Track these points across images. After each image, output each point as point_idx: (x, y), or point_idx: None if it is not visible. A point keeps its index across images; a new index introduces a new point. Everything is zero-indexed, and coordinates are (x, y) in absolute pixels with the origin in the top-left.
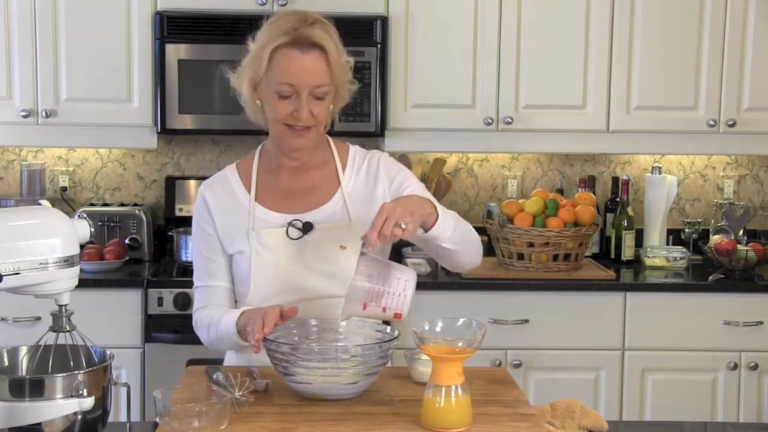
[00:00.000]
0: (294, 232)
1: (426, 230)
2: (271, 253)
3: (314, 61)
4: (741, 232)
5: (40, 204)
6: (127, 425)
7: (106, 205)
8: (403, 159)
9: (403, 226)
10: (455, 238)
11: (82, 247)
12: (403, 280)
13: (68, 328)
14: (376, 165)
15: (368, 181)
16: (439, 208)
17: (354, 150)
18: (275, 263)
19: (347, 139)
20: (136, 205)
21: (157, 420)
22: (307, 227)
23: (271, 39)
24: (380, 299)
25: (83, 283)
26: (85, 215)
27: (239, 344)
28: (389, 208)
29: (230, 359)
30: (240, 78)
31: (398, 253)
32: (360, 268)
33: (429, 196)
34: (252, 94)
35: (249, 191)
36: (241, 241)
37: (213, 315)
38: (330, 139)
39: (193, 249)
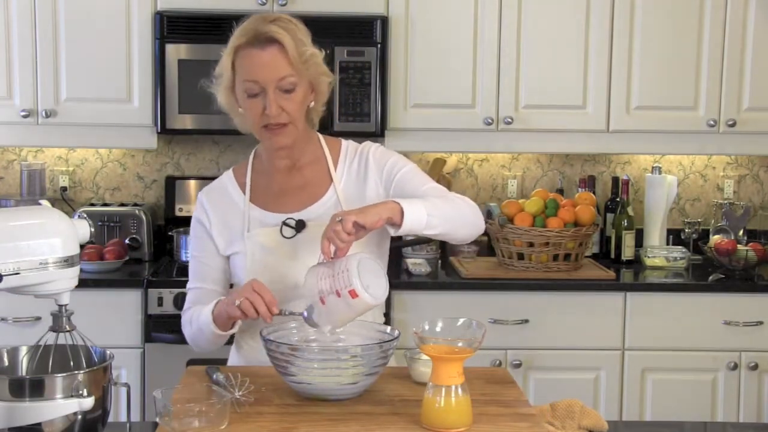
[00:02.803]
0: (288, 231)
1: (398, 227)
2: (266, 253)
3: (272, 55)
4: (741, 232)
5: (40, 204)
6: (127, 425)
7: (106, 205)
8: None
9: (338, 219)
10: (434, 223)
11: (82, 247)
12: (345, 259)
13: (68, 328)
14: (366, 157)
15: (359, 175)
16: (405, 202)
17: (346, 144)
18: (271, 262)
19: (346, 138)
20: (136, 205)
21: (157, 420)
22: (300, 225)
23: (232, 43)
24: (331, 286)
25: (83, 283)
26: (85, 215)
27: (215, 333)
28: (335, 213)
29: (233, 359)
30: (218, 89)
31: (398, 253)
32: (308, 275)
33: (423, 175)
34: (234, 103)
35: (244, 193)
36: (237, 242)
37: (196, 310)
38: (320, 136)
39: (189, 253)
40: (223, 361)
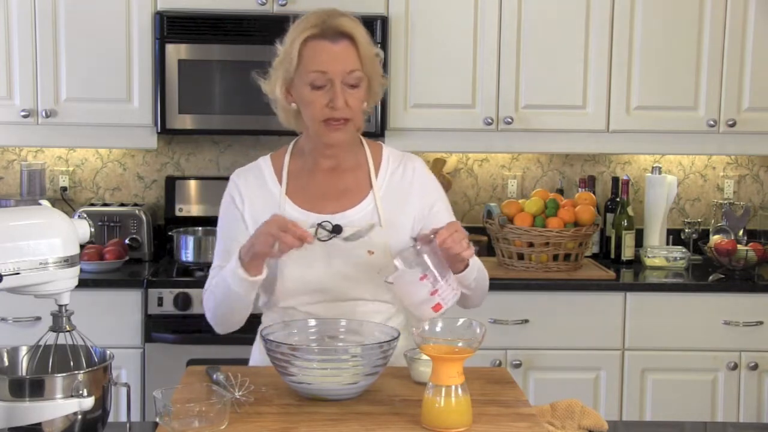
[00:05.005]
0: (323, 234)
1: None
2: (298, 253)
3: (345, 49)
4: (741, 232)
5: (40, 204)
6: (127, 425)
7: (106, 205)
8: None
9: (471, 245)
10: (472, 285)
11: (82, 247)
12: (457, 282)
13: (68, 328)
14: (411, 173)
15: (402, 188)
16: (473, 259)
17: (388, 152)
18: (302, 263)
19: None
20: (136, 205)
21: (157, 420)
22: (336, 229)
23: (300, 33)
24: (437, 282)
25: (83, 283)
26: (85, 215)
27: (245, 281)
28: (460, 227)
29: (255, 359)
30: (272, 82)
31: None
32: (429, 254)
33: (454, 218)
34: (286, 97)
35: (280, 184)
36: None
37: (219, 276)
38: (363, 140)
39: (217, 233)
40: (223, 362)
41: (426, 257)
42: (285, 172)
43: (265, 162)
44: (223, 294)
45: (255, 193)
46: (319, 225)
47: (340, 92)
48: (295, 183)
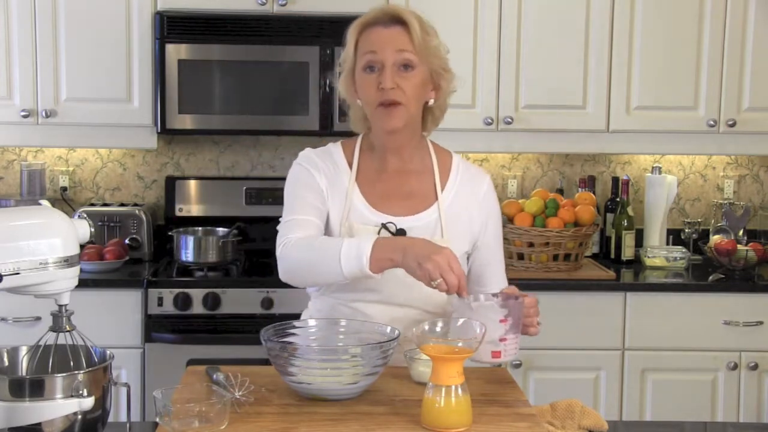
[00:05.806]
0: (386, 235)
1: None
2: None
3: (397, 32)
4: (741, 232)
5: (40, 204)
6: (127, 425)
7: (106, 205)
8: None
9: (539, 325)
10: None
11: (82, 247)
12: (519, 347)
13: (68, 328)
14: (479, 190)
15: (467, 203)
16: None
17: (457, 161)
18: None
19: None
20: (136, 205)
21: (157, 420)
22: (400, 233)
23: (358, 22)
24: (509, 333)
25: (83, 283)
26: (85, 215)
27: (359, 265)
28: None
29: (313, 307)
30: (341, 78)
31: None
32: (516, 306)
33: (501, 250)
34: (353, 94)
35: (351, 169)
36: (334, 222)
37: (326, 238)
38: (431, 145)
39: (287, 193)
40: (223, 362)
41: (515, 308)
42: (356, 160)
43: (335, 147)
44: (328, 259)
45: (329, 172)
46: (383, 226)
47: (390, 72)
48: (364, 174)
